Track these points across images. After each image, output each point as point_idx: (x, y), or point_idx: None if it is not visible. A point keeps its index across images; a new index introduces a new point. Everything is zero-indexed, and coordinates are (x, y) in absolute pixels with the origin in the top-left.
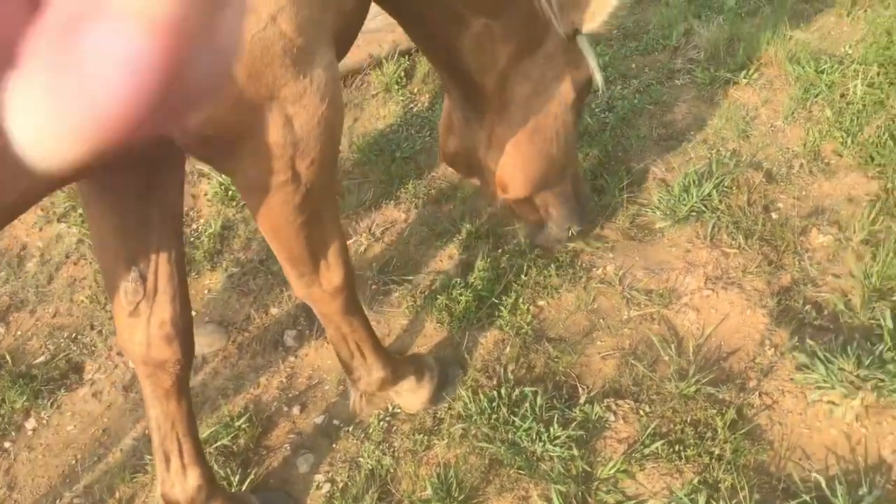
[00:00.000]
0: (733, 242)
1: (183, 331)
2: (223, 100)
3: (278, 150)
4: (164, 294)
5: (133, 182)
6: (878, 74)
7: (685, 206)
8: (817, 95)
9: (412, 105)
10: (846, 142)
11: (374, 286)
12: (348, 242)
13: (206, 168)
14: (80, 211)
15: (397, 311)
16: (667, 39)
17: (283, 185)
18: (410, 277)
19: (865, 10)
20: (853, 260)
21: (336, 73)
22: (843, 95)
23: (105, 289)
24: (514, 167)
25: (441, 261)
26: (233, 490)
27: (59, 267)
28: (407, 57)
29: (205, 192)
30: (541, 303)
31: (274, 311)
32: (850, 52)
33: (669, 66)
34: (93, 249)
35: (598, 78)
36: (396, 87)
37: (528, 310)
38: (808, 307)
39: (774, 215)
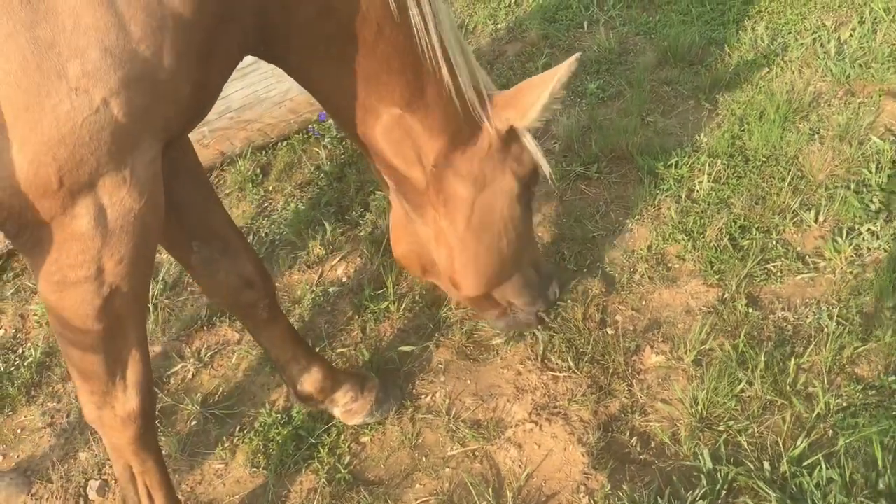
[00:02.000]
0: (563, 365)
1: (258, 270)
2: (36, 185)
3: (85, 241)
4: (230, 250)
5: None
6: (727, 167)
7: None
8: (666, 191)
9: (266, 204)
10: (687, 245)
11: (193, 422)
12: (175, 369)
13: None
14: None
15: (212, 454)
16: None
17: (84, 281)
18: (234, 411)
19: (723, 94)
20: (683, 383)
21: (158, 170)
22: (690, 191)
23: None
24: (464, 266)
25: (269, 390)
26: None
27: None
28: (263, 152)
29: (34, 311)
30: (364, 439)
31: (83, 455)
32: (704, 140)
33: None
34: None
35: (546, 169)
36: (251, 185)
37: (349, 448)
38: (634, 439)
39: (610, 331)
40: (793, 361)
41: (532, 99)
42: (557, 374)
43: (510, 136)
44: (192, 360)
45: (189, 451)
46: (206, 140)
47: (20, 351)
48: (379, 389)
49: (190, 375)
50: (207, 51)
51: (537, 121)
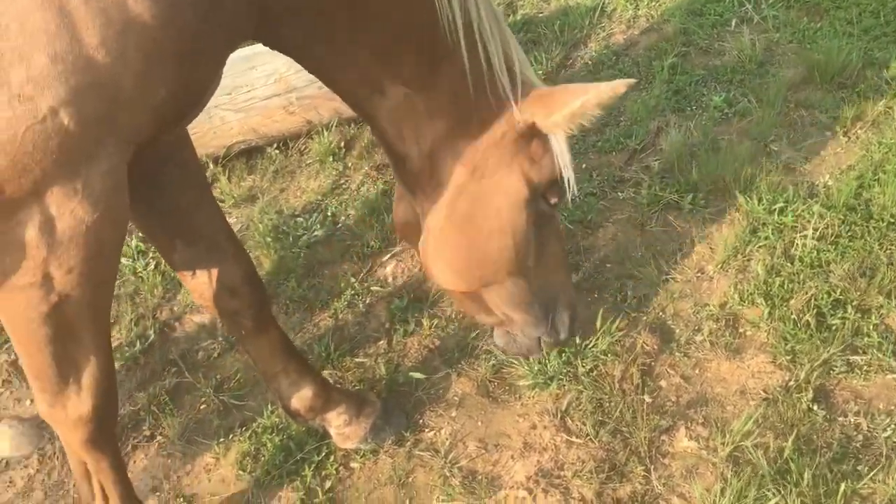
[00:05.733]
0: (582, 429)
1: (245, 278)
2: None
3: (30, 250)
4: (217, 253)
5: (143, 176)
6: (842, 223)
7: (551, 370)
8: (763, 241)
9: (343, 181)
10: (765, 312)
11: (202, 405)
12: (203, 344)
13: None
14: None
15: (207, 445)
16: (629, 138)
17: (29, 287)
18: (241, 403)
19: (866, 131)
20: (709, 481)
21: (120, 181)
22: (790, 244)
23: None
24: (437, 255)
25: None
26: None
27: None
28: (351, 125)
29: None
30: (354, 465)
31: None
32: (826, 184)
33: (621, 173)
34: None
35: (570, 180)
36: (332, 158)
37: (335, 471)
38: None
39: (648, 399)
40: (845, 485)
41: (563, 102)
42: (573, 438)
43: (532, 133)
44: (220, 339)
45: (187, 437)
46: (293, 107)
47: None
48: (378, 416)
49: (216, 354)
50: (189, 50)
51: (561, 127)
